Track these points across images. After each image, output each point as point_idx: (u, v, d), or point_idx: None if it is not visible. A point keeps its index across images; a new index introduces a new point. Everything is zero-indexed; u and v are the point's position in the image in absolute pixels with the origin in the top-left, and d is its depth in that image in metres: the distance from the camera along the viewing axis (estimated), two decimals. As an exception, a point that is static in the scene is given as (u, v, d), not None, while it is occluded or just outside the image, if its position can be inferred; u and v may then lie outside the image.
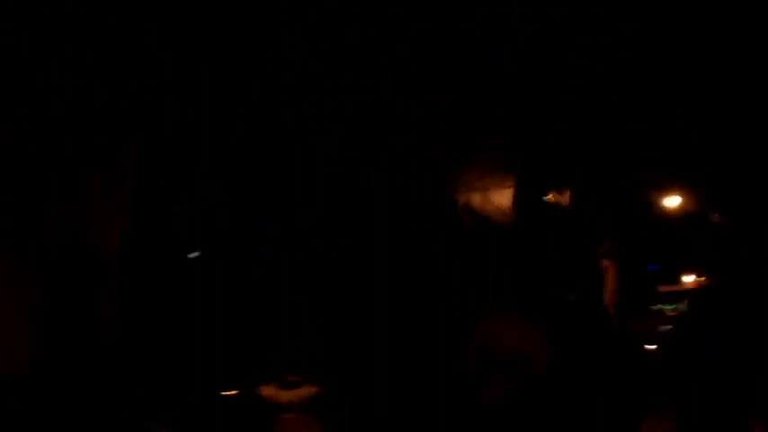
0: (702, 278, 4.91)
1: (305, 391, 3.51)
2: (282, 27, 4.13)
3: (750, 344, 3.52)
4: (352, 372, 3.75)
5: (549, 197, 4.39)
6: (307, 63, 4.07)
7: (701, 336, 3.29)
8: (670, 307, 5.21)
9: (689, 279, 5.19)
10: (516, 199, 4.35)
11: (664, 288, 5.21)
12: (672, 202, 4.80)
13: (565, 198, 4.39)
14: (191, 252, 3.97)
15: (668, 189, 4.68)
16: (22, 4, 3.75)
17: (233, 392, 3.89)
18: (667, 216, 4.77)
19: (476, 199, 4.41)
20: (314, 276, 3.97)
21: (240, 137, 4.12)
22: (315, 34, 4.08)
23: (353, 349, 3.81)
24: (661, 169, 4.51)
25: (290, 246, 3.96)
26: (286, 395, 3.51)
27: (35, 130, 3.87)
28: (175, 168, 4.11)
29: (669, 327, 4.98)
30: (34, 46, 3.81)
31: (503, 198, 4.37)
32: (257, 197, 4.11)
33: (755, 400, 3.18)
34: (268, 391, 3.57)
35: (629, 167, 4.44)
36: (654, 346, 4.51)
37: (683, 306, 4.95)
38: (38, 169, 3.78)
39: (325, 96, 4.14)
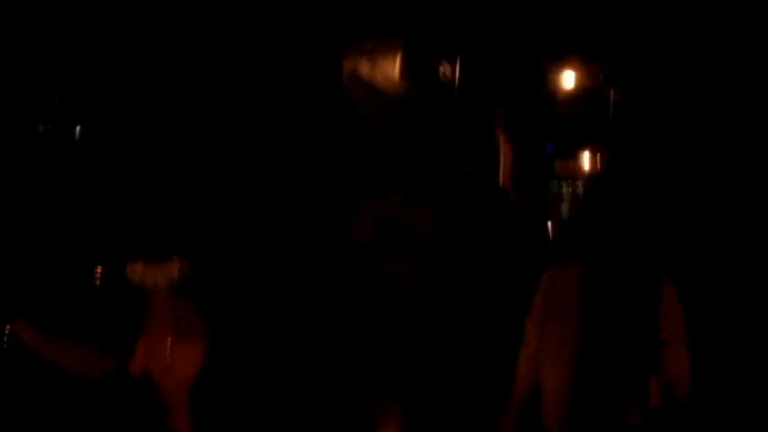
0: (601, 157, 4.85)
1: (173, 269, 2.98)
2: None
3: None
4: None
5: (441, 69, 4.18)
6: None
7: (600, 216, 3.17)
8: (567, 185, 5.14)
9: (587, 158, 5.11)
10: (404, 69, 4.14)
11: (561, 165, 5.11)
12: (568, 75, 4.69)
13: (454, 69, 4.19)
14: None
15: (564, 63, 4.56)
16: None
17: (98, 272, 3.50)
18: (564, 90, 4.67)
19: (363, 68, 4.17)
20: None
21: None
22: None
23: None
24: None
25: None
26: (152, 274, 2.98)
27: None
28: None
29: (567, 204, 4.94)
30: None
31: (390, 67, 4.15)
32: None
33: None
34: (133, 269, 3.03)
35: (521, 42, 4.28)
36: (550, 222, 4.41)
37: (581, 184, 4.87)
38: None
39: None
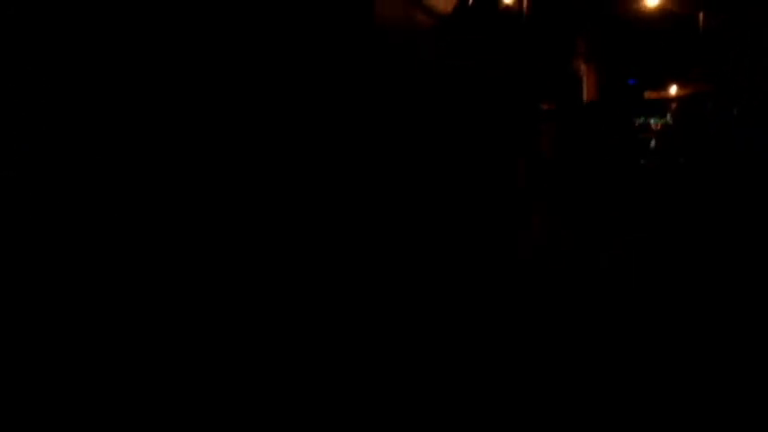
0: (688, 87, 4.68)
1: None
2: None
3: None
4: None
5: None
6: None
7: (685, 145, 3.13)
8: (654, 120, 5.00)
9: (673, 89, 4.94)
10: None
11: (649, 95, 4.93)
12: (652, 2, 4.35)
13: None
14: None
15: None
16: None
17: None
18: (648, 19, 4.36)
19: None
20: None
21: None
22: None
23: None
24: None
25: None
26: None
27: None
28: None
29: (653, 139, 4.81)
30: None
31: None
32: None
33: None
34: None
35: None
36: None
37: (668, 118, 4.72)
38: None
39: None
